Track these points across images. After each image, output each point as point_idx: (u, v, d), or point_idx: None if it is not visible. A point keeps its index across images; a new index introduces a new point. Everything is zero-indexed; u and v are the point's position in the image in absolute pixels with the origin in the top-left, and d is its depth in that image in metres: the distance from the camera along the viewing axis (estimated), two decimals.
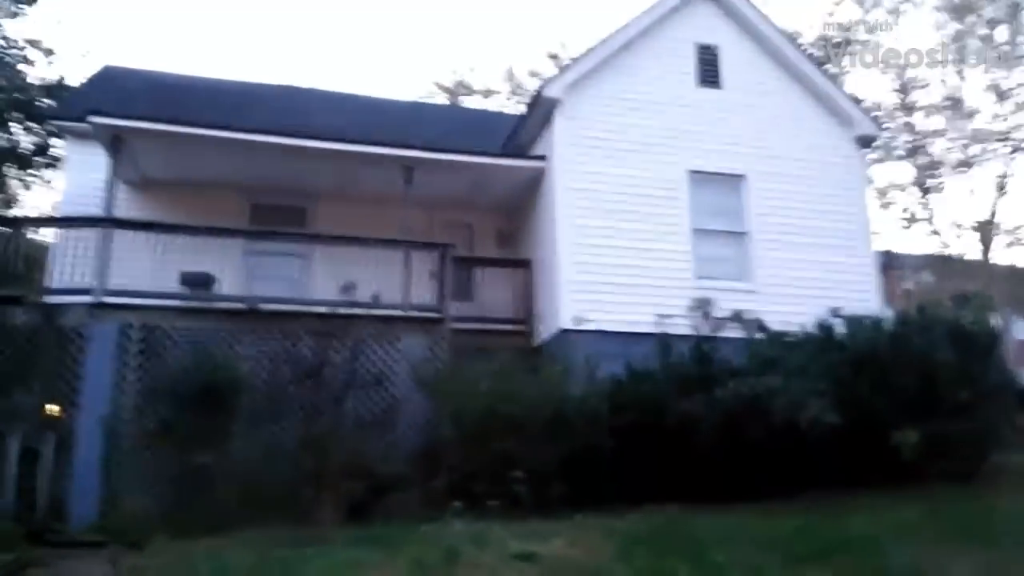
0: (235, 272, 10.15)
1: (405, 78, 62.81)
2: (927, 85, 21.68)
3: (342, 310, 9.26)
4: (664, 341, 9.22)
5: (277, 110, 14.44)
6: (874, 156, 21.70)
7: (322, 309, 9.59)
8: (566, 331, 10.68)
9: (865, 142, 13.50)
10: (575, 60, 13.06)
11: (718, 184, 12.27)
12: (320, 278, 10.24)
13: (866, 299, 11.45)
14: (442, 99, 30.55)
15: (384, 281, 10.37)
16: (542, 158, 12.22)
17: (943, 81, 21.25)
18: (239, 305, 9.73)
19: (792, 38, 14.09)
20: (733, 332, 10.09)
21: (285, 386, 8.74)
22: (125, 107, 11.14)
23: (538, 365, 10.67)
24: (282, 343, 9.18)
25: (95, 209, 10.25)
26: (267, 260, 10.35)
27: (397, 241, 10.81)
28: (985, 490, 8.74)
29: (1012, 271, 23.33)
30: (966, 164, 21.06)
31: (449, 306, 10.65)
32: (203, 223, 10.37)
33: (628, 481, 8.03)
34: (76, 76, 18.48)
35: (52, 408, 8.85)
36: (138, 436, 8.78)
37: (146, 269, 9.71)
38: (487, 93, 31.36)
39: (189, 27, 53.88)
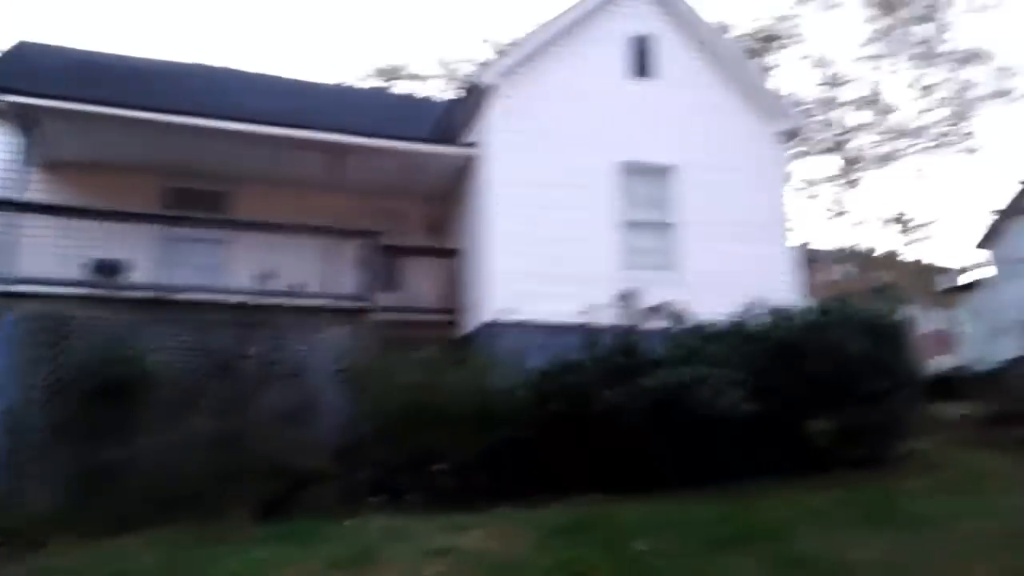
0: (150, 259, 9.73)
1: (336, 62, 61.51)
2: (852, 81, 22.36)
3: (261, 299, 8.98)
4: (591, 332, 9.25)
5: (198, 90, 13.91)
6: (799, 150, 22.26)
7: (241, 298, 9.30)
8: (494, 322, 10.62)
9: (790, 136, 13.81)
10: (510, 47, 12.98)
11: (648, 175, 12.35)
12: (241, 266, 9.90)
13: (785, 290, 11.73)
14: (374, 84, 29.96)
15: (309, 270, 10.13)
16: (474, 145, 12.10)
17: (869, 77, 21.95)
18: (152, 294, 9.33)
19: (722, 31, 14.25)
20: (658, 323, 10.23)
21: (200, 379, 8.43)
22: (38, 85, 10.53)
23: (465, 356, 10.61)
24: (198, 334, 8.85)
25: (4, 192, 9.69)
26: (184, 247, 9.94)
27: (322, 228, 10.55)
28: (893, 476, 9.09)
29: (925, 265, 24.36)
30: (886, 159, 21.81)
31: (376, 296, 10.46)
32: (118, 207, 9.89)
33: (554, 471, 8.05)
34: None
35: None
36: (42, 431, 8.35)
37: (55, 256, 9.21)
38: (421, 78, 30.91)
39: (109, 3, 51.62)
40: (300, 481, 7.45)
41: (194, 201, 11.93)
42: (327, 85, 19.67)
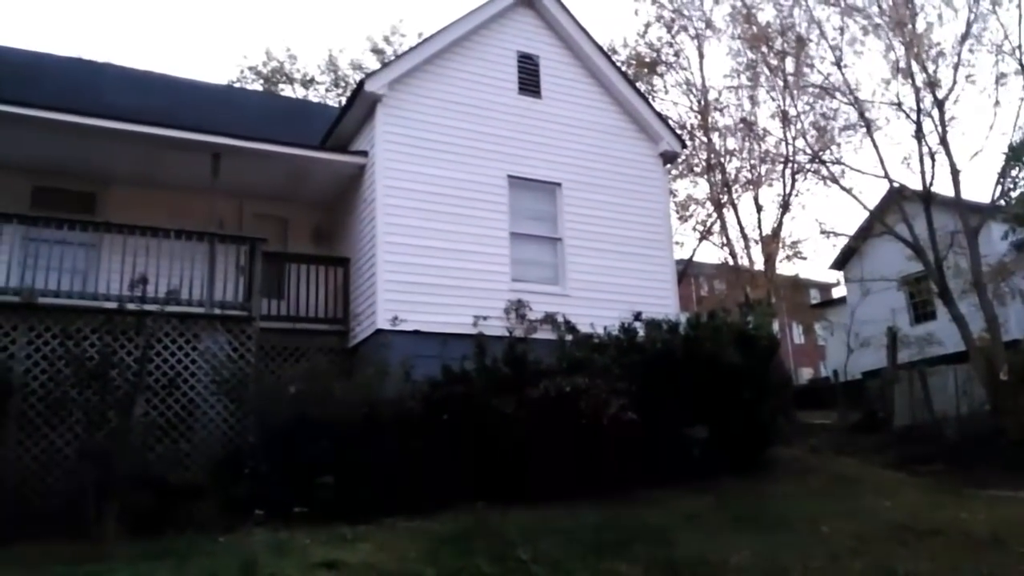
0: (10, 261, 9.04)
1: (216, 61, 59.40)
2: (724, 107, 23.59)
3: (132, 306, 8.50)
4: (480, 342, 9.32)
5: (67, 85, 13.07)
6: (676, 171, 23.26)
7: (111, 304, 8.78)
8: (383, 331, 10.50)
9: (669, 158, 14.42)
10: (398, 56, 12.91)
11: (536, 190, 12.59)
12: (111, 271, 9.35)
13: (666, 304, 12.22)
14: (257, 86, 29.08)
15: (186, 275, 9.70)
16: (363, 154, 11.95)
17: (738, 105, 23.20)
18: (12, 298, 8.69)
19: (607, 54, 14.73)
20: (545, 334, 10.44)
21: (66, 389, 7.89)
22: None
23: (353, 366, 10.47)
24: (63, 341, 8.28)
25: None
26: (49, 249, 9.25)
27: (201, 233, 10.13)
28: (763, 480, 9.66)
29: (792, 281, 25.93)
30: (755, 183, 23.10)
31: (258, 304, 10.13)
32: None
33: (443, 481, 8.04)
34: None
35: None
36: None
37: None
38: (307, 82, 30.24)
39: None
40: (176, 495, 7.10)
41: (63, 202, 11.18)
42: (209, 84, 18.93)
